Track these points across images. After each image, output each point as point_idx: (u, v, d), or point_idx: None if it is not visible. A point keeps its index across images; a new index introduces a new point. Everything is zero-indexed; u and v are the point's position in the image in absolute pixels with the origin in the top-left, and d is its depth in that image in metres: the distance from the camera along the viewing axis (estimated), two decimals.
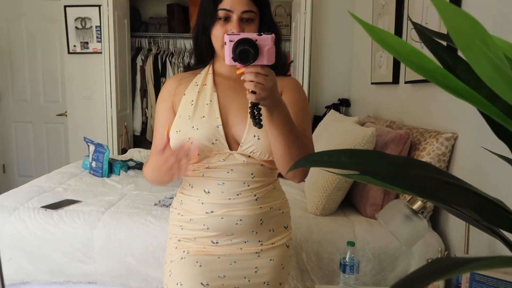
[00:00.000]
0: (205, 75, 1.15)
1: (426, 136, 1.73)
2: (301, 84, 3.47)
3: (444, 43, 0.76)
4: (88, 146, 2.64)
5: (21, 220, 1.75)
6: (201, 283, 1.04)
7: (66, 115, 4.04)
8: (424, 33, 0.74)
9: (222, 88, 1.12)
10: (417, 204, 1.25)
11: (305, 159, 0.66)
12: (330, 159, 0.63)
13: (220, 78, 1.14)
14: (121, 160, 2.70)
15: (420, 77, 1.96)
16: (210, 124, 1.06)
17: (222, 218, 1.07)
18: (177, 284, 1.05)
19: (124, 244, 1.69)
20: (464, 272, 0.34)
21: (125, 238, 1.70)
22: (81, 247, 1.70)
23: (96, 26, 3.76)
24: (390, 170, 0.61)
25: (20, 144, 4.37)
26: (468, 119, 1.57)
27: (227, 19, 1.03)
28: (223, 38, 0.91)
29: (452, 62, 0.74)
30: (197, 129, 1.05)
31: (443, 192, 0.60)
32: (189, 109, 1.09)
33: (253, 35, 0.87)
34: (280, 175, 1.88)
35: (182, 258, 1.09)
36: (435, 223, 1.75)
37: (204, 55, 1.15)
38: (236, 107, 1.09)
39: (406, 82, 2.21)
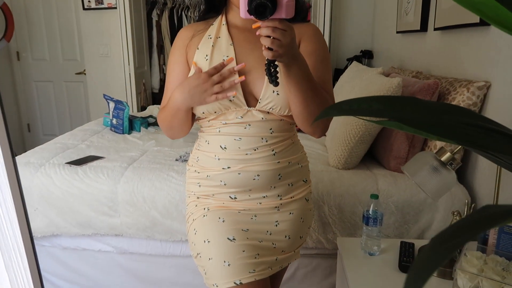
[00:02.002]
0: (218, 26, 1.09)
1: (456, 85, 1.65)
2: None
3: None
4: (108, 103, 2.64)
5: (48, 176, 1.80)
6: (228, 238, 1.04)
7: (85, 74, 4.05)
8: None
9: (237, 40, 1.07)
10: (446, 156, 1.21)
11: (333, 108, 0.62)
12: (361, 106, 0.59)
13: (235, 29, 1.08)
14: (141, 117, 2.71)
15: (452, 23, 1.84)
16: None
17: (239, 173, 1.05)
18: (204, 241, 1.06)
19: (147, 198, 1.72)
20: None
21: (148, 193, 1.72)
22: (107, 201, 1.74)
23: None
24: (426, 117, 0.56)
25: (42, 104, 4.43)
26: (503, 67, 1.48)
27: None
28: None
29: None
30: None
31: (482, 138, 0.56)
32: (204, 65, 1.04)
33: None
34: (299, 130, 1.83)
35: (204, 216, 1.09)
36: (461, 176, 1.70)
37: (216, 2, 1.08)
38: (253, 61, 1.03)
39: (435, 29, 2.07)
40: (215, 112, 1.04)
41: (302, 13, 1.08)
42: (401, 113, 0.56)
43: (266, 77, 0.99)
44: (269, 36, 0.81)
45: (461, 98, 1.58)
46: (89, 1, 3.73)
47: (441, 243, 0.29)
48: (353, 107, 0.58)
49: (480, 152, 0.81)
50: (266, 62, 0.86)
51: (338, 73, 3.38)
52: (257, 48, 1.00)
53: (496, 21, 0.50)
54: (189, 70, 1.09)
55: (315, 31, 1.08)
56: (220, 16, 1.10)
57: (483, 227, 0.31)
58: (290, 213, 1.12)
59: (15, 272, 0.55)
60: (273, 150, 1.06)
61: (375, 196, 1.37)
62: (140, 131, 2.56)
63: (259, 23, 0.82)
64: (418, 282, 0.27)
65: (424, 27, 2.25)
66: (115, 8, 3.66)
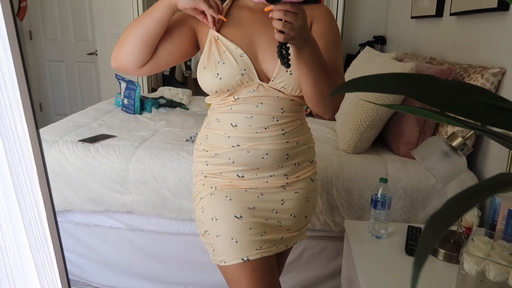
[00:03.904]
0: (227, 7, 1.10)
1: (470, 71, 1.63)
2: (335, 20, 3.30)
3: None
4: (120, 83, 2.66)
5: (61, 153, 1.83)
6: (235, 216, 1.06)
7: (96, 54, 4.06)
8: None
9: (249, 21, 1.07)
10: (457, 141, 1.20)
11: (348, 84, 0.62)
12: (376, 83, 0.59)
13: (246, 10, 1.09)
14: (152, 98, 2.72)
15: (468, 8, 1.81)
16: (233, 56, 1.02)
17: (248, 152, 1.06)
18: (212, 219, 1.08)
19: (158, 177, 1.75)
20: None
21: (159, 171, 1.75)
22: (118, 178, 1.77)
23: None
24: (442, 94, 0.57)
25: (54, 84, 4.47)
26: None
27: None
28: None
29: None
30: (223, 63, 1.02)
31: (497, 117, 0.56)
32: (214, 45, 1.05)
33: None
34: (310, 114, 1.82)
35: (211, 194, 1.11)
36: (471, 162, 1.70)
37: None
38: (265, 41, 1.04)
39: (451, 15, 2.04)
40: (228, 90, 1.04)
41: None
42: (416, 90, 0.56)
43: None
44: (281, 19, 0.82)
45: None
46: None
47: (456, 203, 0.30)
48: (368, 83, 0.59)
49: (492, 136, 0.81)
50: (278, 44, 0.87)
51: (350, 58, 3.35)
52: (270, 29, 1.01)
53: None
54: (190, 36, 1.09)
55: (326, 12, 1.08)
56: None
57: (496, 191, 0.32)
58: (296, 192, 1.14)
59: (35, 236, 0.57)
60: (283, 130, 1.07)
61: (384, 180, 1.38)
62: (151, 112, 2.58)
63: (271, 7, 0.83)
64: (435, 235, 0.28)
65: (439, 12, 2.22)
66: None
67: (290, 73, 1.01)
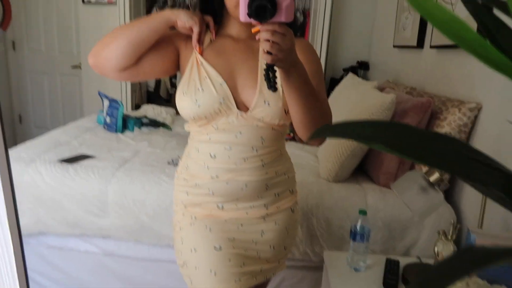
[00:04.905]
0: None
1: (448, 105, 1.67)
2: (320, 45, 3.37)
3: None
4: (103, 101, 2.63)
5: (38, 172, 1.78)
6: (214, 247, 1.05)
7: (80, 68, 4.02)
8: None
9: (232, 50, 1.07)
10: (434, 176, 1.22)
11: (327, 129, 0.63)
12: (354, 130, 0.60)
13: (229, 40, 1.09)
14: (135, 117, 2.70)
15: (447, 42, 1.86)
16: (213, 84, 1.02)
17: (227, 183, 1.06)
18: (191, 250, 1.06)
19: (137, 201, 1.72)
20: (502, 263, 0.32)
21: (138, 195, 1.72)
22: (96, 201, 1.73)
23: None
24: (418, 146, 0.58)
25: (35, 95, 4.38)
26: (494, 90, 1.50)
27: None
28: None
29: (492, 26, 0.68)
30: (202, 90, 1.02)
31: (469, 169, 0.57)
32: (195, 71, 1.06)
33: None
34: (293, 138, 1.76)
35: (191, 224, 1.10)
36: (449, 195, 1.72)
37: (210, 13, 1.08)
38: (245, 71, 1.04)
39: (431, 47, 2.10)
40: (206, 117, 1.04)
41: (293, 28, 1.10)
42: (393, 140, 0.57)
43: (258, 87, 1.01)
44: (268, 40, 0.81)
45: (452, 118, 1.60)
46: None
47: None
48: (347, 130, 0.60)
49: (468, 182, 0.83)
50: (265, 67, 0.85)
51: (334, 82, 3.40)
52: (250, 58, 1.02)
53: (485, 58, 0.52)
54: (174, 55, 1.09)
55: (308, 45, 1.09)
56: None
57: (466, 272, 0.32)
58: (276, 223, 1.13)
59: (1, 264, 0.54)
60: (262, 161, 1.06)
61: (363, 212, 1.39)
62: (133, 131, 2.56)
63: (258, 27, 0.82)
64: None
65: (420, 44, 2.28)
66: (115, 3, 3.64)
67: (268, 104, 1.01)
